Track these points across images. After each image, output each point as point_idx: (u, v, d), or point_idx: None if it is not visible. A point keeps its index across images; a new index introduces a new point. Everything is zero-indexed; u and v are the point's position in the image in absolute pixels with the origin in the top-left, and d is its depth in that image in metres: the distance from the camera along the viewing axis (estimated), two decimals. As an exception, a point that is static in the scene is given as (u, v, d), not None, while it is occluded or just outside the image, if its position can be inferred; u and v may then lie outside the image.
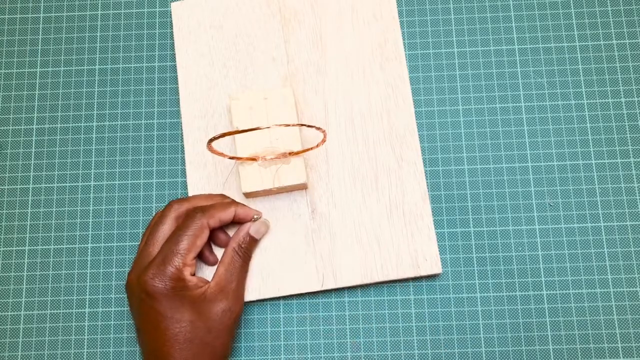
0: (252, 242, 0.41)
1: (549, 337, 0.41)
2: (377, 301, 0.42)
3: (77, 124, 0.46)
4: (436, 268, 0.41)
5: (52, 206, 0.45)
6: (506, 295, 0.42)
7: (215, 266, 0.41)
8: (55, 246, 0.44)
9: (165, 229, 0.39)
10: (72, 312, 0.43)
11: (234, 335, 0.40)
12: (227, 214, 0.40)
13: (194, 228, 0.38)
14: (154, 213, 0.44)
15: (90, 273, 0.43)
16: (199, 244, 0.38)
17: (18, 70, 0.47)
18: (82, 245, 0.44)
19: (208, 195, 0.41)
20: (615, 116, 0.45)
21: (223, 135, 0.39)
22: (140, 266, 0.38)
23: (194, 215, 0.38)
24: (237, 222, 0.41)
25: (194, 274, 0.38)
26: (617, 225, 0.43)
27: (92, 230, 0.44)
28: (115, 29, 0.48)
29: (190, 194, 0.43)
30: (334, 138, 0.44)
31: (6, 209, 0.45)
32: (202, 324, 0.37)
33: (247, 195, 0.42)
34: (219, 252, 0.42)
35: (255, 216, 0.41)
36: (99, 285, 0.43)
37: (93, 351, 0.42)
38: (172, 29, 0.47)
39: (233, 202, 0.41)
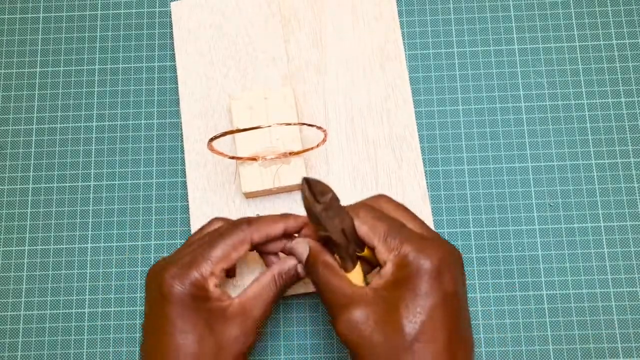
0: (295, 277, 0.36)
1: (549, 337, 0.41)
2: (377, 301, 0.42)
3: (77, 124, 0.46)
4: (436, 268, 0.41)
5: (52, 206, 0.45)
6: (506, 296, 0.42)
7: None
8: (55, 246, 0.44)
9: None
10: (71, 312, 0.43)
11: None
12: (275, 229, 0.35)
13: (234, 238, 0.34)
14: (154, 213, 0.44)
15: (90, 273, 0.43)
16: (234, 256, 0.34)
17: (18, 70, 0.47)
18: (82, 245, 0.44)
19: (280, 221, 0.36)
20: (615, 116, 0.45)
21: (224, 134, 0.39)
22: (164, 263, 0.34)
23: (239, 225, 0.35)
24: (286, 236, 0.36)
25: (218, 287, 0.34)
26: (617, 225, 0.43)
27: (92, 230, 0.44)
28: (115, 29, 0.48)
29: (190, 194, 0.43)
30: (334, 138, 0.44)
31: (6, 209, 0.45)
32: (211, 343, 0.32)
33: (247, 195, 0.42)
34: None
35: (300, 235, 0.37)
36: (98, 285, 0.43)
37: (93, 351, 0.42)
38: (172, 29, 0.47)
39: (283, 217, 0.36)
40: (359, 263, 0.34)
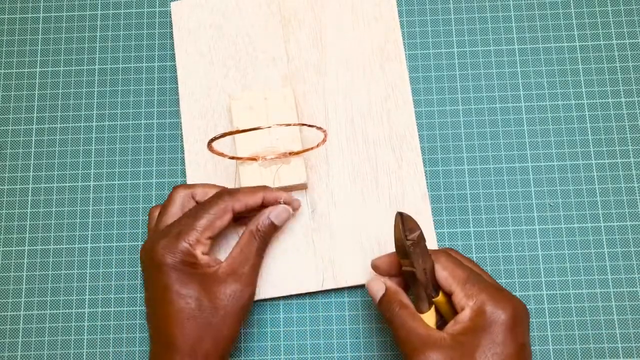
0: (271, 227, 0.39)
1: (549, 337, 0.41)
2: (377, 301, 0.42)
3: (77, 124, 0.46)
4: (436, 268, 0.41)
5: (51, 206, 0.45)
6: (506, 296, 0.42)
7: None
8: (55, 246, 0.44)
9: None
10: (71, 312, 0.43)
11: (242, 322, 0.38)
12: (255, 199, 0.38)
13: (217, 208, 0.37)
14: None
15: (89, 273, 0.43)
16: (218, 224, 0.37)
17: (18, 70, 0.47)
18: (82, 245, 0.44)
19: (256, 191, 0.39)
20: (615, 116, 0.45)
21: (223, 135, 0.39)
22: (155, 237, 0.37)
23: (221, 196, 0.37)
24: (265, 206, 0.40)
25: (206, 254, 0.37)
26: (617, 225, 0.43)
27: (91, 230, 0.44)
28: (115, 29, 0.48)
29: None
30: (334, 138, 0.44)
31: (6, 209, 0.45)
32: (208, 302, 0.36)
33: (247, 195, 0.42)
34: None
35: (283, 200, 0.40)
36: (98, 285, 0.43)
37: (92, 351, 0.42)
38: (172, 29, 0.47)
39: (262, 187, 0.39)
40: (433, 306, 0.35)
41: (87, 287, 0.43)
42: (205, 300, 0.36)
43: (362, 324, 0.42)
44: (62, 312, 0.43)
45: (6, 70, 0.47)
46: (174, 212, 0.39)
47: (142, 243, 0.39)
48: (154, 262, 0.35)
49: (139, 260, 0.43)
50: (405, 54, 0.46)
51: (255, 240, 0.38)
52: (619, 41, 0.46)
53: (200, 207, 0.37)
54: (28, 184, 0.45)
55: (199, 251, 0.36)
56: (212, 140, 0.39)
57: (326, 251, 0.42)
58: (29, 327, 0.43)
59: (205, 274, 0.36)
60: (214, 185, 0.41)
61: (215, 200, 0.37)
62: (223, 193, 0.38)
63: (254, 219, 0.39)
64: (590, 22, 0.47)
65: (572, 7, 0.47)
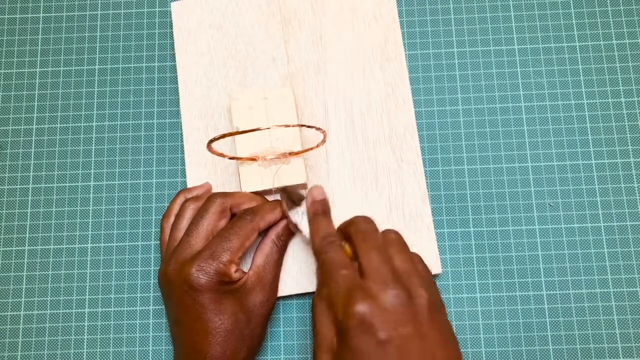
0: (290, 235, 0.41)
1: (549, 337, 0.41)
2: (377, 301, 0.42)
3: (77, 124, 0.46)
4: (436, 268, 0.41)
5: (52, 206, 0.45)
6: (506, 296, 0.42)
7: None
8: (55, 246, 0.44)
9: (209, 222, 0.38)
10: (71, 312, 0.43)
11: (267, 326, 0.40)
12: (275, 216, 0.40)
13: (246, 229, 0.38)
14: (154, 213, 0.44)
15: (89, 273, 0.43)
16: (247, 245, 0.38)
17: (18, 70, 0.47)
18: (82, 245, 0.44)
19: (251, 195, 0.41)
20: (615, 116, 0.45)
21: (223, 136, 0.39)
22: (181, 258, 0.37)
23: (245, 217, 0.39)
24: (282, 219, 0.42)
25: (237, 271, 0.38)
26: (617, 225, 0.43)
27: (91, 230, 0.44)
28: (115, 29, 0.48)
29: (190, 194, 0.43)
30: (334, 138, 0.44)
31: (6, 209, 0.45)
32: (243, 315, 0.37)
33: (247, 195, 0.42)
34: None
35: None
36: (98, 285, 0.43)
37: (93, 351, 0.42)
38: (172, 29, 0.47)
39: (279, 203, 0.41)
40: None
41: (87, 287, 0.43)
42: (240, 314, 0.37)
43: (362, 324, 0.42)
44: (62, 312, 0.43)
45: (6, 70, 0.47)
46: (185, 226, 0.39)
47: (160, 261, 0.40)
48: (188, 283, 0.36)
49: (139, 260, 0.43)
50: (405, 54, 0.46)
51: (276, 248, 0.40)
52: (619, 41, 0.46)
53: (229, 229, 0.38)
54: (28, 184, 0.45)
55: (232, 270, 0.37)
56: (211, 141, 0.39)
57: (326, 251, 0.42)
58: (29, 327, 0.43)
59: (238, 288, 0.37)
60: (250, 196, 0.41)
61: (242, 221, 0.38)
62: (247, 213, 0.39)
63: (274, 227, 0.41)
64: (590, 22, 0.47)
65: (572, 7, 0.47)
